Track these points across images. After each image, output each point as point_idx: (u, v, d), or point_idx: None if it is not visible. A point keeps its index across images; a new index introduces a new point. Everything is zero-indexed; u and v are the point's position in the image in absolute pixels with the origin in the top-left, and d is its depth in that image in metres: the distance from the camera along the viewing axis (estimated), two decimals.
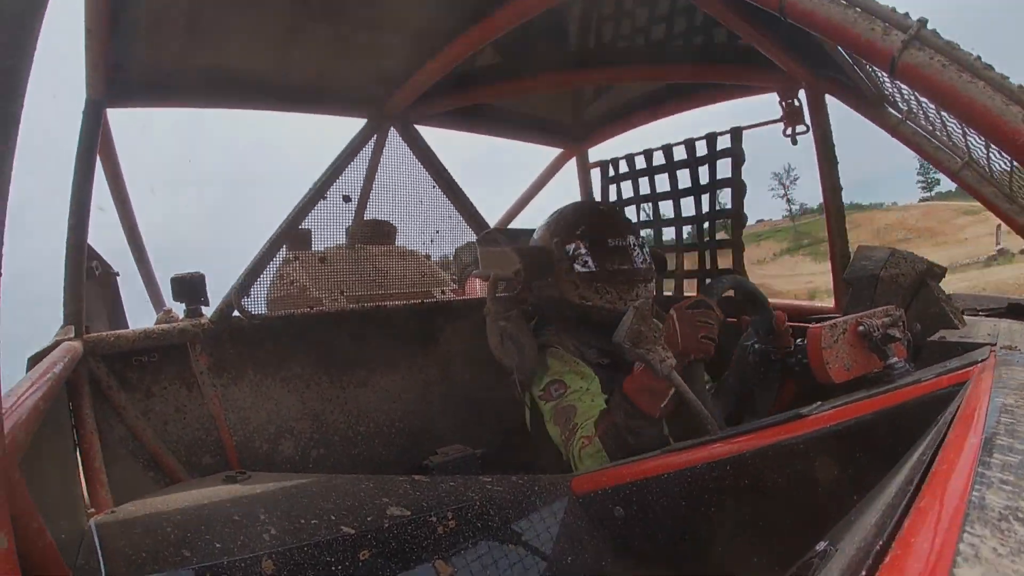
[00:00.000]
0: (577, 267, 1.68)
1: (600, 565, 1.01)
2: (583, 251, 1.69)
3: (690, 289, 2.31)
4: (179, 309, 1.94)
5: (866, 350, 1.20)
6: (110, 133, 2.02)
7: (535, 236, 1.87)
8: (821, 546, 0.64)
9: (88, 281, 1.68)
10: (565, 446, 1.48)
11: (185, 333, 1.75)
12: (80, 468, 1.43)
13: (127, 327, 2.02)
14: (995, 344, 1.11)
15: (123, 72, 1.68)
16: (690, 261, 2.32)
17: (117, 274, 2.15)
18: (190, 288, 1.87)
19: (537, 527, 1.03)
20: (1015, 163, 0.95)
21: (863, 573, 0.41)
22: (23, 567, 0.54)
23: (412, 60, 1.96)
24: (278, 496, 1.11)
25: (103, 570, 0.81)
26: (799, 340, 1.35)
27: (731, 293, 1.87)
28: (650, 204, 2.44)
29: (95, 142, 1.67)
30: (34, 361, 1.33)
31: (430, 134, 2.35)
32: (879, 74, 1.35)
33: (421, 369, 2.16)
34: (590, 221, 1.74)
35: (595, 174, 2.69)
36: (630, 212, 2.46)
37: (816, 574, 0.58)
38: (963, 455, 0.49)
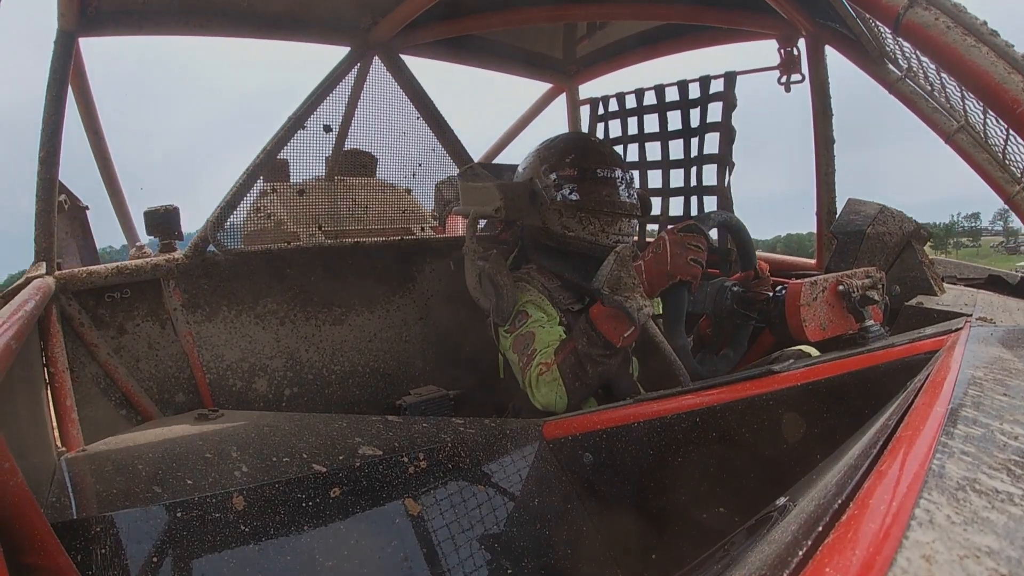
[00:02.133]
0: (562, 195, 1.66)
1: (566, 507, 1.04)
2: (570, 179, 1.66)
3: None
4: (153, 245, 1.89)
5: (844, 311, 1.21)
6: (83, 64, 1.94)
7: (522, 163, 1.83)
8: (781, 501, 0.66)
9: (58, 216, 1.62)
10: (522, 372, 1.49)
11: (158, 268, 1.71)
12: (51, 407, 1.42)
13: (98, 262, 1.97)
14: (971, 315, 1.12)
15: (95, 0, 1.58)
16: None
17: (87, 208, 2.08)
18: (163, 222, 1.82)
19: (507, 469, 1.05)
20: (1011, 132, 0.93)
21: (819, 529, 0.41)
22: None
23: None
24: (250, 434, 1.11)
25: (73, 507, 0.81)
26: (778, 288, 1.35)
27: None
28: (637, 146, 2.40)
29: (66, 74, 1.58)
30: (5, 299, 1.30)
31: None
32: (882, 30, 1.31)
33: (398, 308, 2.15)
34: (580, 150, 1.71)
35: (584, 111, 2.63)
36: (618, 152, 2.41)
37: (774, 527, 0.60)
38: (928, 423, 0.49)
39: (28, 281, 1.39)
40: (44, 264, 1.51)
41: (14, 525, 0.52)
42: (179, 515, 0.81)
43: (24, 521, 0.53)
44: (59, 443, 1.37)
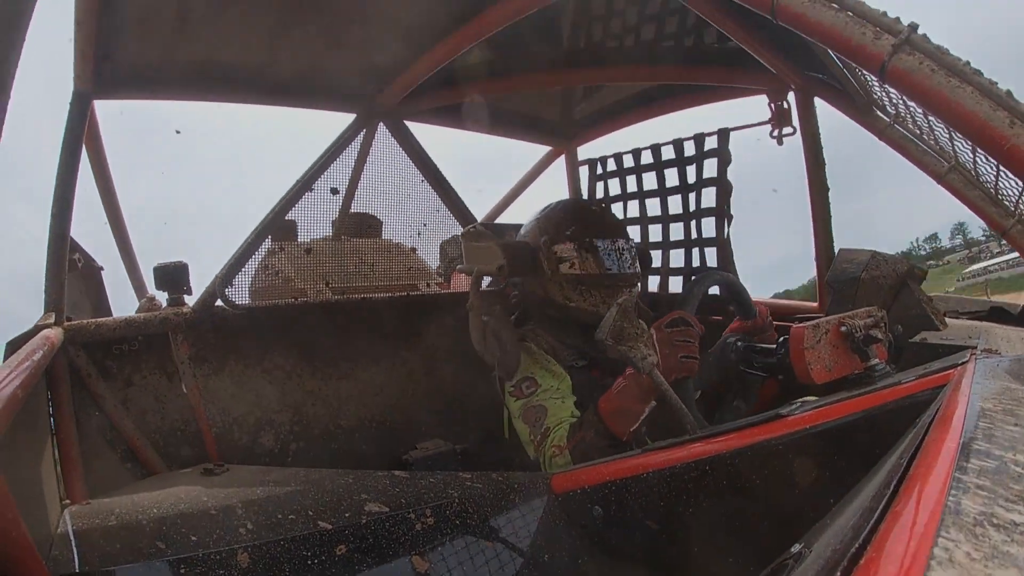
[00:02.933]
0: (563, 268, 1.68)
1: (577, 564, 1.01)
2: (571, 252, 1.68)
3: (675, 287, 2.32)
4: (163, 298, 1.91)
5: (848, 351, 1.21)
6: (97, 124, 2.01)
7: (523, 231, 1.85)
8: (796, 548, 0.64)
9: (72, 274, 1.65)
10: (535, 447, 1.49)
11: (167, 322, 1.72)
12: (57, 458, 1.40)
13: None
14: (976, 347, 1.11)
15: (111, 64, 1.66)
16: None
17: (102, 268, 2.12)
18: (173, 277, 1.84)
19: (516, 524, 1.03)
20: (1001, 167, 0.95)
21: (837, 575, 0.40)
22: None
23: (403, 56, 1.95)
24: (256, 490, 1.10)
25: (76, 560, 0.79)
26: (781, 339, 1.35)
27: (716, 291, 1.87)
28: (637, 201, 2.44)
29: (81, 133, 1.65)
30: (13, 348, 1.31)
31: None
32: (869, 78, 1.36)
33: (404, 363, 2.15)
34: (580, 221, 1.73)
35: (583, 171, 2.69)
36: (617, 209, 2.45)
37: None
38: (940, 459, 0.49)
39: (37, 331, 1.40)
40: (53, 314, 1.52)
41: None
42: (183, 571, 0.80)
43: (25, 572, 0.52)
44: (64, 494, 1.34)
